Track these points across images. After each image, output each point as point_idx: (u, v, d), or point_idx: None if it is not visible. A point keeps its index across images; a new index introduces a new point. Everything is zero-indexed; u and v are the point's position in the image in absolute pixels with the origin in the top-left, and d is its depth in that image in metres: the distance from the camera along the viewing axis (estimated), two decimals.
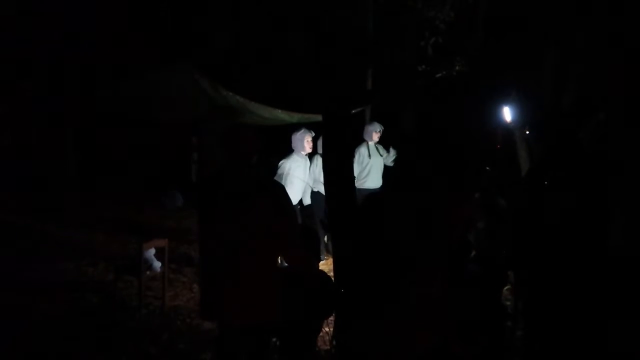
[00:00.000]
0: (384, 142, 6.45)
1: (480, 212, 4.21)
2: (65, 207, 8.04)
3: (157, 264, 4.76)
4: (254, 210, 2.48)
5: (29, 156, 8.94)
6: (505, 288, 4.21)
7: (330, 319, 3.71)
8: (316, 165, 5.74)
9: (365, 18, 7.46)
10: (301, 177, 5.65)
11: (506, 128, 6.56)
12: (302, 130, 5.63)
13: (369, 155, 6.24)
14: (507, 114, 6.07)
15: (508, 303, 4.21)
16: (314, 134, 5.64)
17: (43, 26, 7.12)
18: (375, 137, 6.31)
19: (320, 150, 5.57)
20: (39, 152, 9.10)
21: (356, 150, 6.16)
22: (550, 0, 4.81)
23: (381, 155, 6.35)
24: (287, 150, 5.72)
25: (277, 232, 2.50)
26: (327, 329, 3.82)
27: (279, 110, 5.81)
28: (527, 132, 5.42)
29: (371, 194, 2.47)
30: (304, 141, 5.60)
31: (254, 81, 7.81)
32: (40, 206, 8.03)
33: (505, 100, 6.00)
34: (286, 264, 2.76)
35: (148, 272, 4.64)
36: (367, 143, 6.31)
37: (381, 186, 6.08)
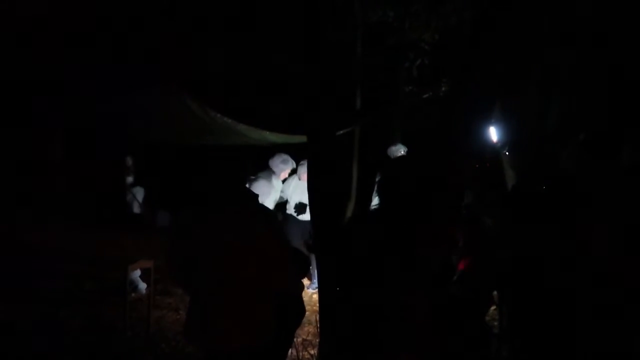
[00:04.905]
0: None
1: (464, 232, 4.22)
2: (50, 224, 7.94)
3: (143, 286, 4.72)
4: (250, 237, 2.49)
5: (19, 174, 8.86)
6: (492, 308, 4.21)
7: (317, 339, 3.69)
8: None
9: (354, 39, 7.53)
10: (275, 199, 5.81)
11: (493, 147, 6.64)
12: (285, 158, 5.78)
13: None
14: (493, 133, 6.15)
15: (496, 323, 4.22)
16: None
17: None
18: None
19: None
20: (27, 169, 9.03)
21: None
22: (535, 31, 4.93)
23: None
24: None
25: (271, 258, 2.51)
26: (313, 352, 3.79)
27: (267, 132, 5.84)
28: (506, 153, 5.49)
29: (357, 216, 2.49)
30: (287, 171, 5.79)
31: (242, 102, 7.83)
32: (26, 221, 7.93)
33: (491, 120, 6.07)
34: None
35: (133, 294, 4.60)
36: None
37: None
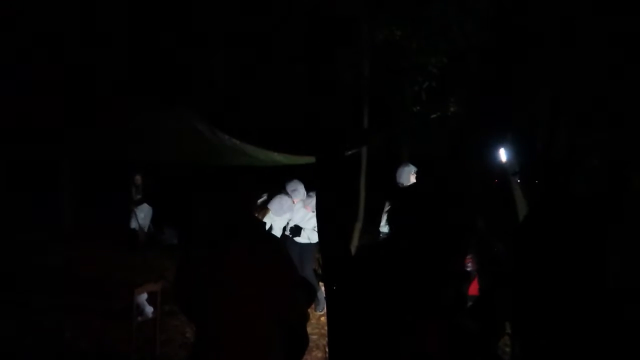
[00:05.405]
0: None
1: (476, 260, 4.17)
2: (57, 244, 7.97)
3: (149, 310, 4.67)
4: (256, 268, 2.45)
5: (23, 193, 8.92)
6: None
7: None
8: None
9: (361, 59, 7.57)
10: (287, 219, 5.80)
11: (502, 168, 6.59)
12: (296, 188, 5.78)
13: None
14: (503, 154, 6.12)
15: (507, 349, 4.14)
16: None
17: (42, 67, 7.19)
18: (413, 179, 5.82)
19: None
20: (32, 186, 9.09)
21: None
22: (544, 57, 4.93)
23: None
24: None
25: (277, 289, 2.47)
26: None
27: (276, 153, 5.83)
28: (518, 181, 5.45)
29: (367, 245, 2.46)
30: (297, 200, 5.75)
31: (250, 123, 7.87)
32: (32, 242, 7.95)
33: (501, 141, 6.04)
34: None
35: (139, 318, 4.55)
36: None
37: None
